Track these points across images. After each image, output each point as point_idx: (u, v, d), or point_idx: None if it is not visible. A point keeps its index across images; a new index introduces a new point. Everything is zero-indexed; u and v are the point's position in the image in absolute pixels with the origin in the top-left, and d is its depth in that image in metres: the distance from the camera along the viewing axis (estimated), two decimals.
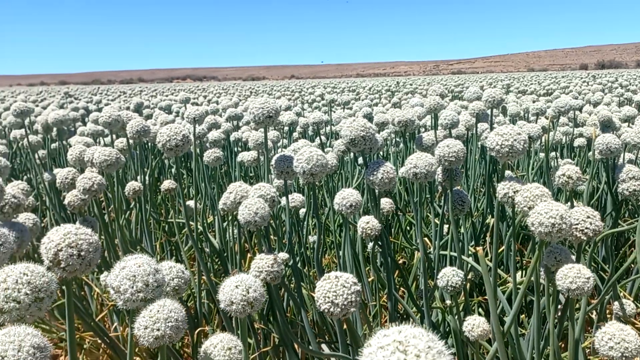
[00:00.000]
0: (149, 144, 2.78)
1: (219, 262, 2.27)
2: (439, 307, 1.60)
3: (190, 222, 2.57)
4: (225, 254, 2.34)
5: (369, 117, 2.21)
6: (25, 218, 1.35)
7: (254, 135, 1.64)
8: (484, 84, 12.45)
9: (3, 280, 0.64)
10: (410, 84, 13.16)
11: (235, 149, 2.91)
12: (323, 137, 2.99)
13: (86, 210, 1.65)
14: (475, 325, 0.99)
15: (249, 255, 2.21)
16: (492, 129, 2.05)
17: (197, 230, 2.08)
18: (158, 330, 0.71)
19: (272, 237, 2.60)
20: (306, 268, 1.94)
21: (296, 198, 1.63)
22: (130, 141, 1.94)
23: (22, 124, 2.46)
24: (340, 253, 1.51)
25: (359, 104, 3.85)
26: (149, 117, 4.03)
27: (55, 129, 2.38)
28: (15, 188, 1.24)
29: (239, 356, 0.80)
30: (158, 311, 0.72)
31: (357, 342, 0.94)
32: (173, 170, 3.21)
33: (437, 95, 1.84)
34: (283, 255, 1.45)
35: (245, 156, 1.86)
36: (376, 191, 1.36)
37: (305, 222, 1.88)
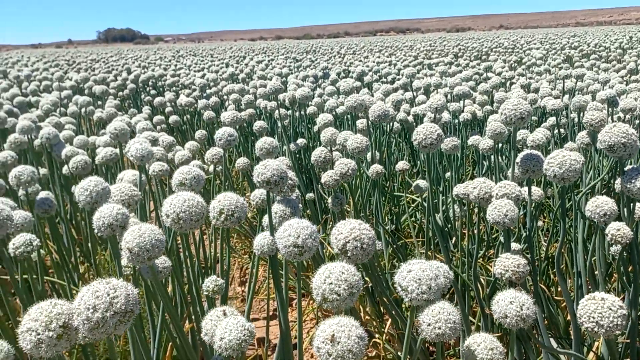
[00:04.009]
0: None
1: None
2: None
3: (414, 197, 2.71)
4: (446, 229, 2.44)
5: (612, 100, 2.05)
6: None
7: (493, 125, 1.67)
8: None
9: (327, 276, 0.82)
10: None
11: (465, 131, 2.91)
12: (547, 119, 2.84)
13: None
14: None
15: (466, 233, 2.28)
16: None
17: (425, 207, 2.20)
18: (439, 328, 0.84)
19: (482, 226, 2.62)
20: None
21: (535, 192, 1.64)
22: (369, 123, 2.12)
23: (272, 98, 2.82)
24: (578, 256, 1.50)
25: (590, 74, 3.53)
26: (368, 85, 4.23)
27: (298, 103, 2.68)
28: (290, 172, 1.47)
29: (500, 357, 0.90)
30: (439, 312, 0.85)
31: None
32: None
33: None
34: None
35: (481, 144, 1.90)
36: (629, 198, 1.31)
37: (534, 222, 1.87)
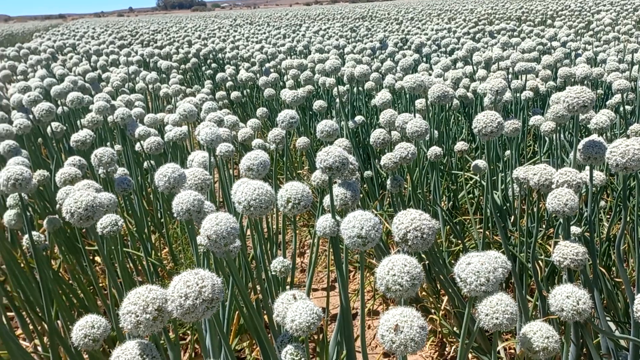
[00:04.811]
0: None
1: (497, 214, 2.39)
2: None
3: (471, 174, 2.71)
4: (504, 208, 2.44)
5: None
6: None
7: (556, 108, 1.65)
8: None
9: (391, 268, 0.88)
10: None
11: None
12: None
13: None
14: None
15: (526, 211, 2.27)
16: None
17: (485, 185, 2.20)
18: (497, 319, 0.89)
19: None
20: None
21: (597, 177, 1.62)
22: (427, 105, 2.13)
23: (331, 75, 2.86)
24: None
25: None
26: (427, 57, 4.18)
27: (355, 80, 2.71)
28: (351, 157, 1.52)
29: (556, 345, 0.94)
30: (497, 303, 0.90)
31: None
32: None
33: None
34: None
35: (543, 126, 1.88)
36: None
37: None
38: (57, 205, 2.21)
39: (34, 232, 1.64)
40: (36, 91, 2.92)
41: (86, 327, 0.94)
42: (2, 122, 2.38)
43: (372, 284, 2.56)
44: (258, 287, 1.92)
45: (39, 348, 1.98)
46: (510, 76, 3.18)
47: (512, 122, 1.70)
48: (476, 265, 0.91)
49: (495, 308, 0.89)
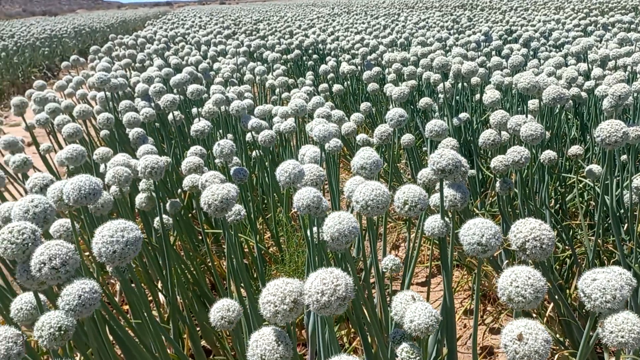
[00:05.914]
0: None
1: (608, 221, 2.28)
2: None
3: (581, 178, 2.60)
4: (617, 215, 2.33)
5: None
6: None
7: None
8: None
9: (514, 280, 0.90)
10: None
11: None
12: None
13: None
14: None
15: None
16: None
17: (600, 192, 2.12)
18: (622, 337, 0.88)
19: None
20: None
21: None
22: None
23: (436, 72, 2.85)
24: None
25: None
26: (535, 51, 4.01)
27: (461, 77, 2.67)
28: (463, 159, 1.53)
29: None
30: (623, 322, 0.89)
31: None
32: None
33: None
34: None
35: None
36: None
37: None
38: (179, 190, 2.40)
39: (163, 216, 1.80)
40: (156, 80, 3.15)
41: (223, 309, 1.04)
42: (130, 111, 2.61)
43: (470, 283, 2.54)
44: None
45: (157, 319, 2.17)
46: (627, 73, 2.99)
47: (635, 129, 1.62)
48: (602, 282, 0.91)
49: (621, 326, 0.88)
